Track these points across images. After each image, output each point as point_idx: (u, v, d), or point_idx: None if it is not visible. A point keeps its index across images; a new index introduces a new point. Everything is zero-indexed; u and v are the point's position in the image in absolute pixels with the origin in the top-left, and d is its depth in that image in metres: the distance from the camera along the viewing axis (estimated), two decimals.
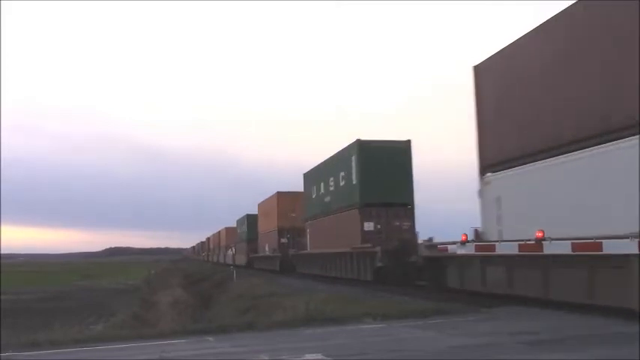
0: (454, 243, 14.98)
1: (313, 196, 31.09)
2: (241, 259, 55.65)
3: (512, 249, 12.92)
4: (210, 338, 10.45)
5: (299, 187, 38.63)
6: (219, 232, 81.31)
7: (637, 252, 9.41)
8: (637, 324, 8.92)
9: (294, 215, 37.90)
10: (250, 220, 52.47)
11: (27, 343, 10.16)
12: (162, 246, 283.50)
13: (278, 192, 40.72)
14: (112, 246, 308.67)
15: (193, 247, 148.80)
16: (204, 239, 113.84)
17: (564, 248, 11.18)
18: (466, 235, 14.57)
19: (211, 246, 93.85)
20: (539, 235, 11.67)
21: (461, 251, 14.51)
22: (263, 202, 47.28)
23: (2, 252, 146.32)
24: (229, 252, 65.63)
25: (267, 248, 43.63)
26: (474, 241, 14.39)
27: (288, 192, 40.08)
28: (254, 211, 52.97)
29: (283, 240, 39.25)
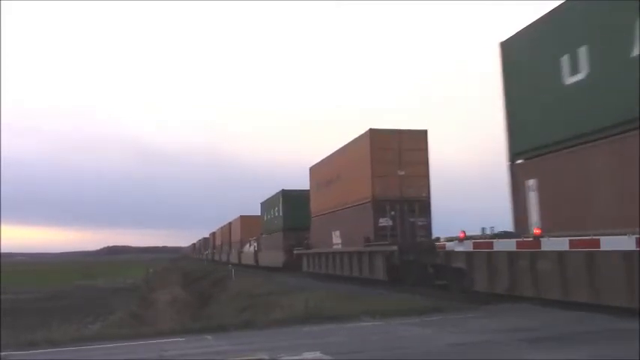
0: (452, 240, 14.87)
1: (567, 82, 11.29)
2: (272, 258, 38.40)
3: (510, 246, 12.89)
4: (209, 337, 10.46)
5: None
6: (229, 223, 62.94)
7: (635, 249, 9.42)
8: (636, 321, 8.93)
9: (402, 174, 21.18)
10: (290, 197, 35.87)
11: (26, 342, 10.17)
12: (160, 244, 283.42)
13: (371, 129, 21.76)
14: (110, 245, 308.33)
15: (194, 245, 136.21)
16: (207, 235, 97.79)
17: (562, 245, 11.18)
18: (464, 233, 14.49)
19: (218, 242, 77.24)
20: (537, 232, 11.67)
21: (459, 248, 14.42)
22: (328, 159, 27.68)
23: (1, 251, 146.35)
24: (248, 248, 48.69)
25: (336, 239, 25.34)
26: (472, 239, 14.33)
27: (389, 130, 21.90)
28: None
29: (383, 221, 20.83)
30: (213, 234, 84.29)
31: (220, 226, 74.46)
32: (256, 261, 44.21)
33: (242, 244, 52.20)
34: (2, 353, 9.20)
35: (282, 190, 37.12)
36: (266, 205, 43.16)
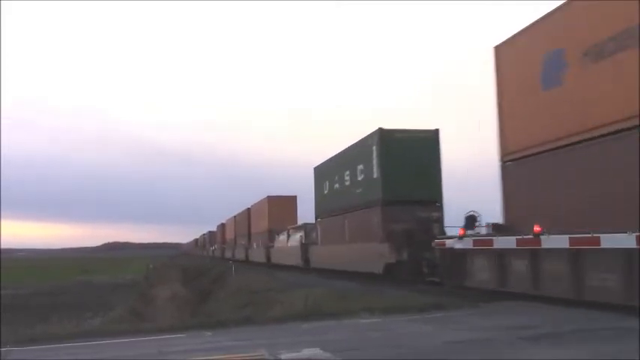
0: (451, 237, 14.85)
1: None
2: (354, 257, 21.99)
3: (509, 243, 12.88)
4: (209, 333, 10.47)
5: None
6: (247, 209, 49.24)
7: (635, 246, 9.40)
8: (636, 320, 8.92)
9: None
10: (397, 143, 19.72)
11: (26, 338, 10.17)
12: (160, 240, 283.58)
13: None
14: (110, 241, 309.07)
15: (196, 240, 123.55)
16: (213, 228, 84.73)
17: (562, 243, 11.17)
18: (464, 230, 14.46)
19: (229, 235, 63.05)
20: (537, 229, 11.66)
21: (458, 246, 14.40)
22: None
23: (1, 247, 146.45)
24: (286, 241, 34.49)
25: None
26: (472, 236, 14.31)
27: None
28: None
29: None
30: (222, 225, 70.33)
31: (233, 215, 60.43)
32: (305, 260, 29.73)
33: (271, 235, 38.95)
34: (2, 349, 9.20)
35: (380, 128, 20.06)
36: (331, 166, 25.50)
